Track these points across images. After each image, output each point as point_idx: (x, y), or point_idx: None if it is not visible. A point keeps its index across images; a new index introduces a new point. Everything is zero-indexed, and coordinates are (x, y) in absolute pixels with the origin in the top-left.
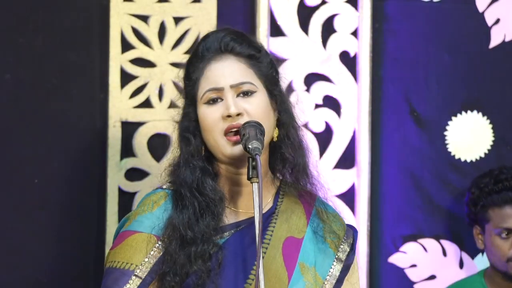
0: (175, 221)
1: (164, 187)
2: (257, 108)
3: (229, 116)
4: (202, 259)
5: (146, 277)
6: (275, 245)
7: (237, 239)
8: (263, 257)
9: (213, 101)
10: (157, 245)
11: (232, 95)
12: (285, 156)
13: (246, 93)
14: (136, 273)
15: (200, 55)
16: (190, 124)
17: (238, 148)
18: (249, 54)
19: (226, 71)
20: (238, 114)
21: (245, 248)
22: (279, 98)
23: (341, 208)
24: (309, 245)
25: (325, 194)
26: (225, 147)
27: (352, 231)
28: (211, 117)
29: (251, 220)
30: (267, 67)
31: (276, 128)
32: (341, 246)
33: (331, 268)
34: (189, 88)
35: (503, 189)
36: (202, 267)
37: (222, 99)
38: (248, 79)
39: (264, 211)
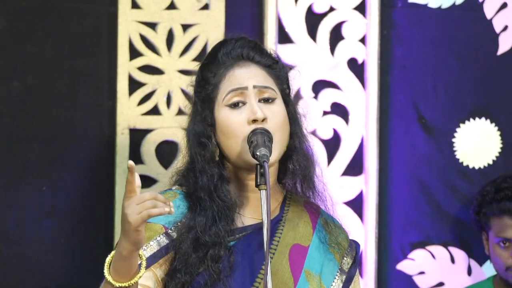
0: (191, 222)
1: (174, 188)
2: (278, 115)
3: (255, 120)
4: (214, 260)
5: (147, 258)
6: (282, 251)
7: (244, 243)
8: (270, 262)
9: (235, 105)
10: (164, 233)
11: (255, 98)
12: (295, 167)
13: (267, 100)
14: (139, 253)
15: (220, 61)
16: (205, 129)
17: None
18: (268, 63)
19: (249, 75)
20: (264, 120)
21: (252, 253)
22: (292, 109)
23: (349, 215)
24: (315, 254)
25: (332, 206)
26: (247, 154)
27: (355, 245)
28: (235, 120)
29: (258, 226)
30: (283, 79)
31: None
32: (345, 258)
33: (335, 278)
34: (208, 92)
35: (503, 198)
36: (213, 267)
37: (244, 104)
38: (270, 85)
39: (271, 218)
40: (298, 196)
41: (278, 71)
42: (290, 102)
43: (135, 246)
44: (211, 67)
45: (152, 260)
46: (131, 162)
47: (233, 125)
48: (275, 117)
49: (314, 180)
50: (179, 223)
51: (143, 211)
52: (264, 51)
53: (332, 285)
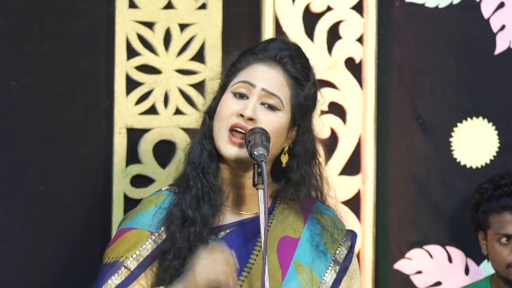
0: (179, 201)
1: (164, 189)
2: (271, 123)
3: (241, 115)
4: (201, 242)
5: (135, 269)
6: (270, 244)
7: (233, 237)
8: (257, 255)
9: (239, 95)
10: (150, 239)
11: (257, 99)
12: (291, 183)
13: (270, 106)
14: (126, 264)
15: (256, 52)
16: (213, 107)
17: (233, 150)
18: (295, 76)
19: (266, 76)
20: (251, 119)
21: (240, 245)
22: (302, 131)
23: (347, 214)
24: (306, 245)
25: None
26: (222, 141)
27: (351, 235)
28: (228, 108)
29: (248, 220)
30: (306, 98)
31: (287, 155)
32: (339, 249)
33: (328, 268)
34: (230, 74)
35: (502, 195)
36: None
37: (247, 98)
38: (280, 95)
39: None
40: (291, 190)
41: (303, 89)
42: (303, 124)
43: None
44: (246, 54)
45: (139, 269)
46: None
47: (225, 110)
48: (267, 122)
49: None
50: (163, 224)
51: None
52: (301, 64)
53: (325, 275)
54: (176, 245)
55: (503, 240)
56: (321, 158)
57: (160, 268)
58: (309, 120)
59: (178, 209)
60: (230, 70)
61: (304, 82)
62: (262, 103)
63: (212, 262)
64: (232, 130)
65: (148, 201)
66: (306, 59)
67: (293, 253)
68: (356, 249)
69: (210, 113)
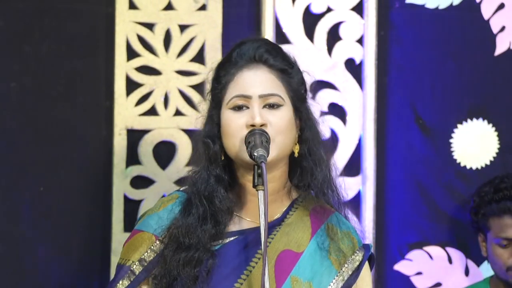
0: (176, 225)
1: (181, 189)
2: (281, 121)
3: (253, 125)
4: (190, 265)
5: (139, 274)
6: (269, 257)
7: (233, 246)
8: (259, 259)
9: (238, 108)
10: (155, 244)
11: (259, 105)
12: (306, 171)
13: (272, 106)
14: (132, 269)
15: (233, 61)
16: (212, 129)
17: None
18: (281, 68)
19: (256, 80)
20: (262, 125)
21: (237, 256)
22: (305, 115)
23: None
24: (308, 261)
25: (343, 211)
26: (245, 154)
27: (363, 251)
28: (235, 123)
29: (251, 230)
30: (297, 83)
31: (297, 144)
32: (346, 265)
33: (331, 284)
34: (217, 92)
35: (502, 198)
36: (189, 273)
37: (248, 107)
38: (277, 92)
39: (269, 220)
40: (310, 201)
41: (292, 76)
42: (303, 108)
43: None
44: (225, 66)
45: (143, 274)
46: None
47: (233, 127)
48: (277, 122)
49: (329, 184)
50: (171, 228)
51: None
52: (279, 54)
53: None
54: (167, 267)
55: (503, 243)
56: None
57: (154, 281)
58: (306, 103)
59: (175, 233)
60: (215, 88)
61: (289, 70)
62: (265, 106)
63: None
64: None
65: (160, 203)
66: (280, 47)
67: (292, 268)
68: None
69: (211, 137)
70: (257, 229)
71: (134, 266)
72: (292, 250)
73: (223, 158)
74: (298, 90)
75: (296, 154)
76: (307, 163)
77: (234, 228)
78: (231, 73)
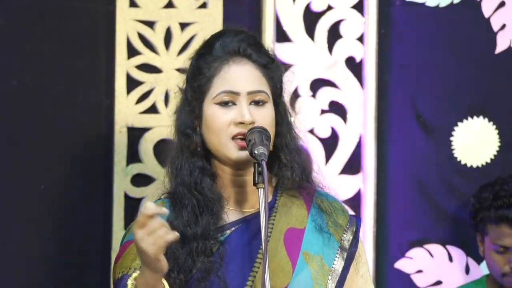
0: (174, 221)
1: (163, 196)
2: (266, 118)
3: (242, 123)
4: (204, 254)
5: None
6: (277, 237)
7: (238, 235)
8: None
9: (225, 104)
10: None
11: (246, 102)
12: (283, 162)
13: (258, 102)
14: (132, 276)
15: (215, 54)
16: (192, 120)
17: (244, 153)
18: (264, 63)
19: (244, 77)
20: (251, 123)
21: (246, 242)
22: (282, 110)
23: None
24: (312, 235)
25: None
26: (231, 150)
27: (355, 220)
28: (221, 119)
29: (251, 216)
30: (277, 79)
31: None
32: (344, 235)
33: (336, 256)
34: (199, 83)
35: (501, 206)
36: (205, 262)
37: (235, 104)
38: (263, 88)
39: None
40: (290, 183)
41: (273, 71)
42: (280, 103)
43: (160, 273)
44: (206, 57)
45: None
46: (163, 210)
47: (219, 123)
48: (262, 119)
49: (308, 173)
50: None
51: (158, 240)
52: (261, 48)
53: (333, 263)
54: (179, 262)
55: (500, 250)
56: (297, 130)
57: (170, 279)
58: (283, 96)
59: (177, 224)
60: (197, 79)
61: (270, 65)
62: (251, 103)
63: None
64: (235, 137)
65: None
66: (258, 41)
67: (301, 244)
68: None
69: (192, 129)
70: (256, 215)
71: (135, 273)
72: (295, 227)
73: (199, 149)
74: (278, 85)
75: (270, 148)
76: (284, 154)
77: (232, 218)
78: (214, 67)
